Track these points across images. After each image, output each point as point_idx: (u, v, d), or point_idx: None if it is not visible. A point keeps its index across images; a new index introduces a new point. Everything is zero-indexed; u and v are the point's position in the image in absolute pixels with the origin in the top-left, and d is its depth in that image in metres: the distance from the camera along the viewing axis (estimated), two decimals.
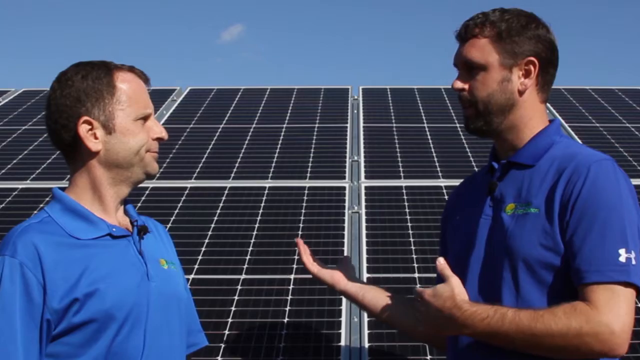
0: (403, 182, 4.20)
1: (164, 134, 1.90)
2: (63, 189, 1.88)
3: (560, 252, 1.82)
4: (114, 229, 1.83)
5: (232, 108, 5.58)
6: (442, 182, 4.13)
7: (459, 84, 1.98)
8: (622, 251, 1.77)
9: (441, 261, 1.93)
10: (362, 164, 4.46)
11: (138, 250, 1.86)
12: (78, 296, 1.71)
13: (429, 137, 4.91)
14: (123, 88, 1.84)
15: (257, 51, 27.74)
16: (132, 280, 1.80)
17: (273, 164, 4.47)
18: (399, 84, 6.17)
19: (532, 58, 1.94)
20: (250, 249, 3.49)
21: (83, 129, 1.81)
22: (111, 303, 1.74)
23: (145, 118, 1.87)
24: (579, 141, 4.74)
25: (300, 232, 3.63)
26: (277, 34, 26.55)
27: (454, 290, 1.86)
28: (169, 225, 3.69)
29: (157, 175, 1.97)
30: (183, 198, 4.02)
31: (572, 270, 1.80)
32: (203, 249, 3.49)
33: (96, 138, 1.82)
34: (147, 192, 4.04)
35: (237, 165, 4.47)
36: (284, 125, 5.16)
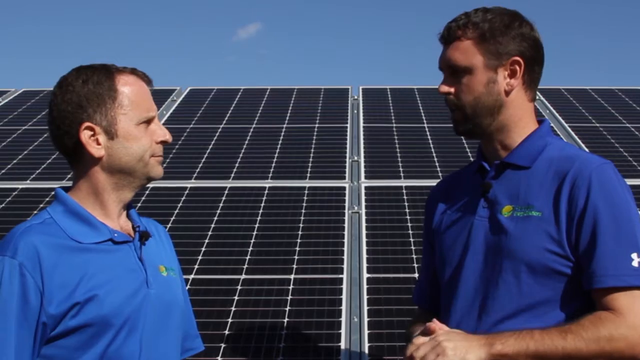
0: (403, 182, 4.20)
1: (167, 137, 1.87)
2: (66, 189, 1.87)
3: (566, 258, 1.82)
4: (115, 234, 1.82)
5: (232, 108, 5.59)
6: None
7: (445, 88, 1.95)
8: (634, 256, 1.79)
9: (431, 326, 1.84)
10: (362, 164, 4.46)
11: (139, 256, 1.84)
12: (76, 301, 1.70)
13: (429, 137, 4.91)
14: (125, 92, 1.81)
15: (263, 50, 27.77)
16: (131, 287, 1.79)
17: (273, 164, 4.47)
18: (399, 84, 6.18)
19: (517, 58, 1.91)
20: (250, 249, 3.49)
21: (85, 134, 1.79)
22: (109, 309, 1.73)
23: (148, 121, 1.84)
24: (579, 141, 4.75)
25: (300, 232, 3.64)
26: (278, 34, 26.57)
27: (460, 331, 1.82)
28: (168, 225, 3.69)
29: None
30: (183, 198, 4.02)
31: (584, 274, 1.80)
32: (203, 249, 3.49)
33: (99, 144, 1.79)
34: (147, 192, 4.04)
35: (237, 165, 4.48)
36: (284, 125, 5.16)
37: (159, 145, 1.86)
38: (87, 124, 1.79)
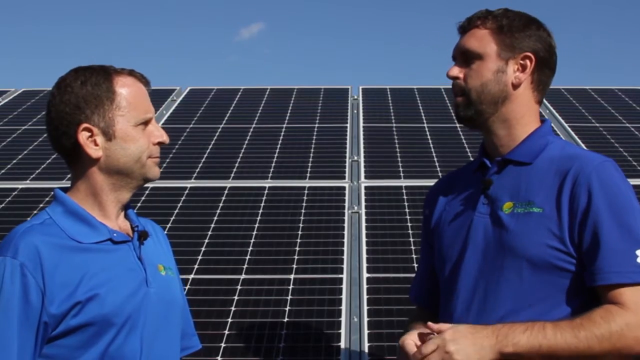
0: (403, 182, 4.20)
1: (164, 138, 1.88)
2: (65, 190, 1.88)
3: (568, 254, 1.82)
4: (114, 234, 1.83)
5: (232, 108, 5.59)
6: None
7: (455, 71, 1.99)
8: (639, 252, 1.79)
9: (433, 326, 1.80)
10: (362, 164, 4.46)
11: (138, 256, 1.86)
12: (77, 300, 1.71)
13: (428, 137, 4.91)
14: (123, 93, 1.82)
15: (266, 50, 27.79)
16: (131, 286, 1.80)
17: (273, 164, 4.47)
18: (399, 84, 6.18)
19: (529, 53, 1.95)
20: (250, 249, 3.49)
21: (83, 136, 1.80)
22: (110, 308, 1.74)
23: (145, 123, 1.85)
24: (579, 141, 4.75)
25: (300, 232, 3.64)
26: (280, 34, 26.58)
27: (467, 327, 1.78)
28: (168, 225, 3.69)
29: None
30: (183, 198, 4.02)
31: (588, 270, 1.81)
32: (203, 249, 3.49)
33: (96, 145, 1.81)
34: (146, 192, 4.04)
35: (237, 165, 4.48)
36: (284, 125, 5.16)
37: (156, 146, 1.87)
38: (85, 125, 1.80)
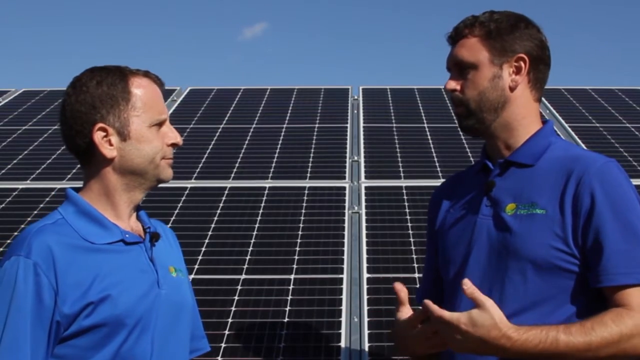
0: (403, 182, 4.20)
1: (178, 140, 1.90)
2: (76, 190, 1.88)
3: (571, 255, 1.82)
4: (127, 235, 1.84)
5: (232, 108, 5.59)
6: None
7: (452, 84, 1.99)
8: None
9: (468, 284, 1.74)
10: (362, 164, 4.46)
11: (149, 257, 1.86)
12: (90, 301, 1.72)
13: (429, 137, 4.91)
14: (138, 94, 1.83)
15: (269, 49, 27.80)
16: (143, 287, 1.81)
17: (273, 164, 4.47)
18: (399, 84, 6.17)
19: (522, 55, 1.95)
20: (250, 249, 3.49)
21: (98, 135, 1.81)
22: (122, 309, 1.75)
23: (160, 124, 1.87)
24: (579, 141, 4.75)
25: (300, 232, 3.64)
26: (282, 34, 26.59)
27: (496, 318, 1.72)
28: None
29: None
30: (183, 198, 4.02)
31: (592, 271, 1.81)
32: (203, 249, 3.49)
33: (111, 145, 1.82)
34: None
35: (237, 165, 4.47)
36: (284, 125, 5.16)
37: (170, 147, 1.89)
38: (100, 124, 1.81)
